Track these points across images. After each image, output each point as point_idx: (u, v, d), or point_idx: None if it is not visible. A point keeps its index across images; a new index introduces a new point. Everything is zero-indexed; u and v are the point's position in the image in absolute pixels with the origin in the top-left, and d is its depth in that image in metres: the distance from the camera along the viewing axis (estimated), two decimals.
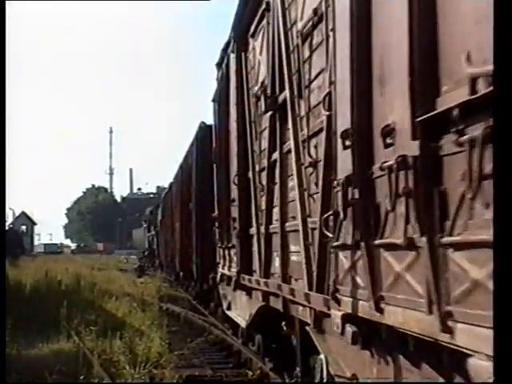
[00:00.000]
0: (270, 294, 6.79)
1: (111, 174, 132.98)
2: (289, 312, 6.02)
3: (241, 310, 9.05)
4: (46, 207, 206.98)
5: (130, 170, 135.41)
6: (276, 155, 6.42)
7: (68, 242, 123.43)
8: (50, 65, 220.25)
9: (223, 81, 9.91)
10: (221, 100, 10.28)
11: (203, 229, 14.80)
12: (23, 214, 78.73)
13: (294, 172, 5.46)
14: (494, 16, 2.34)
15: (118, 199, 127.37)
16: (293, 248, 5.82)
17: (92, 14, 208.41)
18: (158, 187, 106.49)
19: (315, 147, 5.01)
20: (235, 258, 8.69)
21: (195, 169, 16.39)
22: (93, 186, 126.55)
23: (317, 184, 4.89)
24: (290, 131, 5.62)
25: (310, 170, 5.11)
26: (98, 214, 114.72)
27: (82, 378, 8.14)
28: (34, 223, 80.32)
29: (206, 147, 13.99)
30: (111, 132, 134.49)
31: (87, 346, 10.17)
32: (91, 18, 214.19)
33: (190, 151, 17.73)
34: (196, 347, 11.31)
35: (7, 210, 53.41)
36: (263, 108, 6.65)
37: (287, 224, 6.03)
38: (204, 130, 15.29)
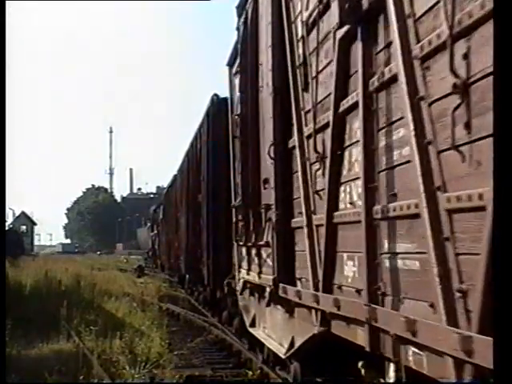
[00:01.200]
0: (334, 317, 4.53)
1: (111, 174, 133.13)
2: (382, 353, 3.72)
3: (274, 331, 6.83)
4: (46, 207, 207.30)
5: (130, 170, 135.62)
6: (354, 98, 4.08)
7: (68, 242, 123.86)
8: (50, 64, 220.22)
9: (249, 25, 7.46)
10: (244, 53, 7.70)
11: (216, 223, 12.35)
12: (23, 214, 78.66)
13: (407, 114, 3.15)
14: (494, 17, 2.34)
15: (118, 199, 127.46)
16: (393, 246, 3.55)
17: (93, 13, 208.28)
18: (158, 187, 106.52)
19: (465, 56, 2.73)
20: (269, 261, 6.41)
21: (206, 152, 13.47)
22: (93, 186, 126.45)
23: (468, 126, 2.69)
24: (396, 46, 3.32)
25: (454, 101, 2.77)
26: (98, 214, 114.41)
27: (81, 378, 8.12)
28: (34, 223, 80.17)
29: (221, 125, 11.49)
30: (111, 132, 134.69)
31: (87, 346, 10.09)
32: (92, 17, 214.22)
33: (199, 133, 14.83)
34: (196, 347, 11.32)
35: (7, 210, 53.45)
36: (338, 21, 4.18)
37: (379, 207, 3.72)
38: (217, 104, 12.49)
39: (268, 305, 6.54)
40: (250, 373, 8.85)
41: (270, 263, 6.30)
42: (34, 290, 17.23)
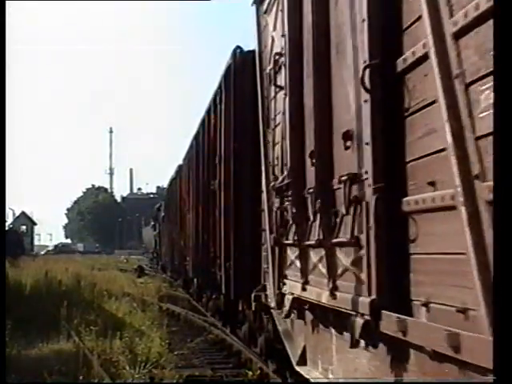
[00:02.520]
0: None
1: (111, 174, 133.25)
2: None
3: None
4: (46, 207, 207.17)
5: (130, 170, 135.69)
6: None
7: (68, 242, 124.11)
8: (49, 64, 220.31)
9: None
10: None
11: (239, 215, 9.59)
12: (23, 214, 78.65)
13: None
14: (494, 17, 2.34)
15: (118, 199, 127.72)
16: None
17: (92, 13, 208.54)
18: (158, 187, 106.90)
19: None
20: (357, 271, 3.91)
21: (224, 124, 10.56)
22: (93, 186, 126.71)
23: None
24: None
25: None
26: (98, 214, 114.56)
27: (81, 377, 8.13)
28: (34, 223, 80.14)
29: (245, 86, 9.13)
30: (111, 132, 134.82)
31: (87, 346, 10.11)
32: (91, 17, 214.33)
33: (214, 104, 11.90)
34: (196, 347, 11.33)
35: (7, 209, 53.46)
36: None
37: None
38: (241, 59, 9.62)
39: (355, 345, 3.92)
40: (250, 373, 8.86)
41: (362, 276, 3.75)
42: (33, 290, 17.24)
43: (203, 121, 13.74)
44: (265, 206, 6.35)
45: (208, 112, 12.82)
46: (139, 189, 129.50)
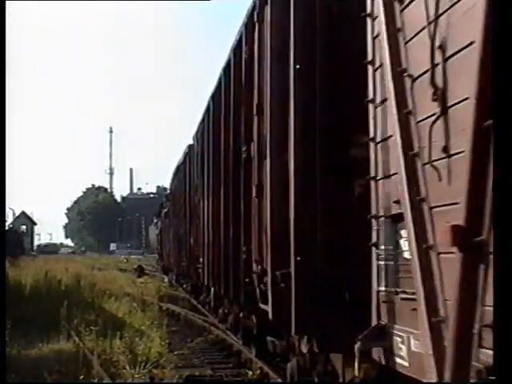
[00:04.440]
0: None
1: (111, 174, 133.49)
2: None
3: None
4: (46, 207, 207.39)
5: (130, 170, 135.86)
6: None
7: (68, 241, 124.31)
8: (49, 64, 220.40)
9: None
10: None
11: (306, 194, 5.49)
12: (23, 213, 78.76)
13: None
14: (494, 17, 2.33)
15: (118, 199, 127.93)
16: None
17: (92, 13, 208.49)
18: (158, 187, 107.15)
19: None
20: None
21: (274, 40, 6.22)
22: (93, 185, 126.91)
23: None
24: None
25: None
26: (98, 214, 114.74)
27: (81, 377, 8.12)
28: (34, 223, 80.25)
29: None
30: (111, 132, 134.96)
31: (87, 346, 10.09)
32: (91, 17, 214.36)
33: (252, 19, 7.49)
34: (196, 347, 11.34)
35: (7, 209, 53.44)
36: None
37: None
38: None
39: None
40: (250, 373, 8.84)
41: None
42: (33, 290, 17.23)
43: (228, 63, 9.67)
44: (401, 166, 3.40)
45: (238, 44, 8.84)
46: (139, 189, 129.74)
